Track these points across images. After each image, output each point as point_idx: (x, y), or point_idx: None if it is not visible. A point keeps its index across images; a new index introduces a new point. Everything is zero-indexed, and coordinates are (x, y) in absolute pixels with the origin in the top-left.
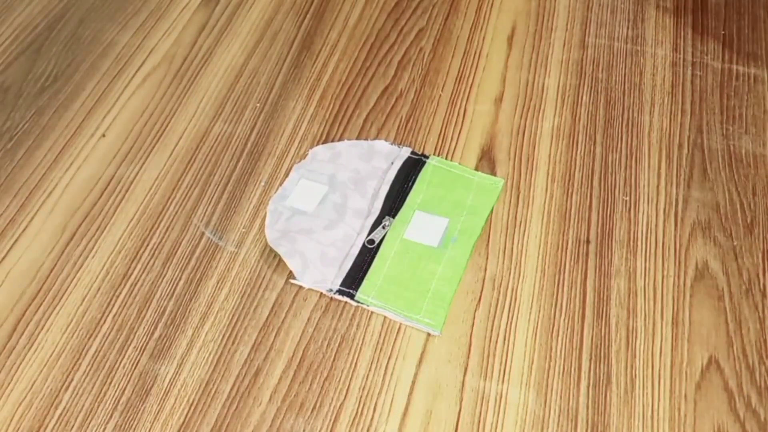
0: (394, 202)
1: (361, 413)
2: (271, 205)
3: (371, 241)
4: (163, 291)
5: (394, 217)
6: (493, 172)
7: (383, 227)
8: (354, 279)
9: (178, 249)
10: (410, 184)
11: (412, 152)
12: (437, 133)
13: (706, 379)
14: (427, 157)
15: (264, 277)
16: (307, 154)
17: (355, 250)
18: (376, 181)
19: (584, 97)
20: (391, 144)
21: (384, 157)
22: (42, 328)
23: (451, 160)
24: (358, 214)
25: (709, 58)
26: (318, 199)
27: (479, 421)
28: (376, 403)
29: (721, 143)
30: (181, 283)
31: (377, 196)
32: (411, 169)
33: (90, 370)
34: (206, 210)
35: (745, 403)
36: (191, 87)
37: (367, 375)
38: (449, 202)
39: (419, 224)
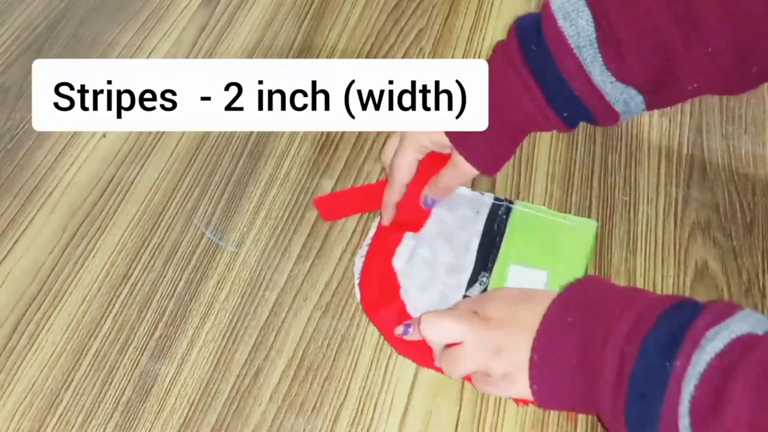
0: (487, 255)
1: (361, 413)
2: (357, 263)
3: None
4: (164, 291)
5: (489, 272)
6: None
7: (480, 284)
8: None
9: (178, 249)
10: (500, 233)
11: (496, 198)
12: None
13: None
14: (512, 203)
15: (264, 277)
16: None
17: None
18: (465, 232)
19: None
20: (472, 190)
21: (468, 205)
22: (42, 328)
23: None
24: (452, 270)
25: None
26: (406, 256)
27: (479, 421)
28: (376, 403)
29: (720, 143)
30: (182, 283)
31: (469, 249)
32: (498, 217)
33: (90, 370)
34: (207, 210)
35: None
36: None
37: (367, 375)
38: (544, 252)
39: (517, 279)
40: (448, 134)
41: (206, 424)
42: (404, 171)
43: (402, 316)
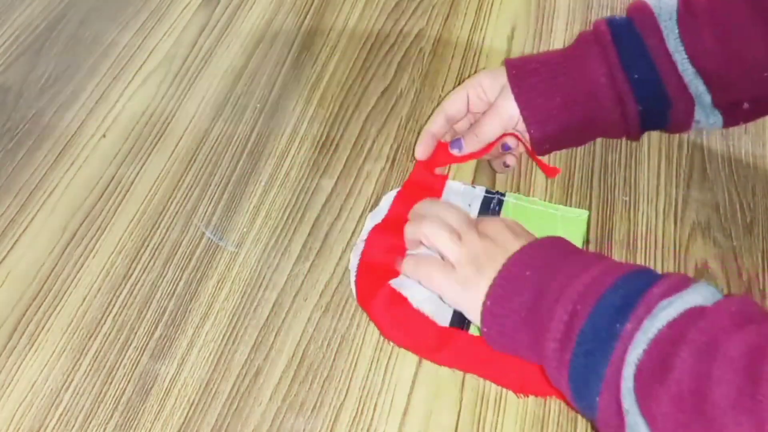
0: None
1: (361, 413)
2: (353, 259)
3: None
4: (164, 291)
5: None
6: (493, 173)
7: None
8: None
9: (178, 249)
10: None
11: (487, 191)
12: None
13: None
14: (504, 195)
15: (264, 277)
16: (380, 201)
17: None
18: None
19: None
20: (464, 184)
21: (460, 198)
22: (42, 329)
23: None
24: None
25: None
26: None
27: (479, 421)
28: (376, 403)
29: (720, 143)
30: (182, 283)
31: None
32: (490, 209)
33: (90, 370)
34: (206, 210)
35: None
36: (191, 87)
37: (367, 375)
38: None
39: None
40: (510, 72)
41: (206, 424)
42: (452, 100)
43: (394, 298)
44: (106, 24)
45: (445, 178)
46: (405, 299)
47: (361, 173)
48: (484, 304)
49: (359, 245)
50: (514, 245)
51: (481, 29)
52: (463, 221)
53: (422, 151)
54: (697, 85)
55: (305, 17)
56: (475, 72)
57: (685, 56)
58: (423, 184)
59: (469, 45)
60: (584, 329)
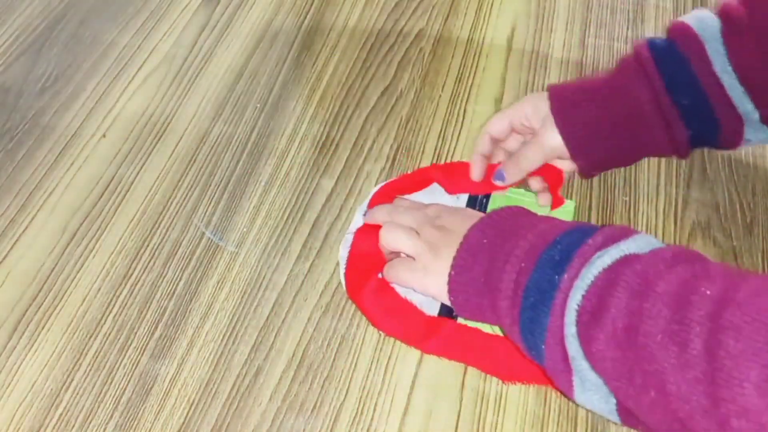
0: None
1: (361, 413)
2: (342, 251)
3: None
4: (164, 291)
5: None
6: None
7: None
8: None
9: (178, 249)
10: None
11: None
12: (437, 134)
13: None
14: None
15: (264, 277)
16: (369, 193)
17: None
18: None
19: None
20: None
21: (447, 194)
22: (42, 328)
23: (451, 161)
24: None
25: None
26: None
27: (479, 421)
28: (376, 403)
29: None
30: (182, 283)
31: None
32: (478, 201)
33: (90, 370)
34: (207, 210)
35: None
36: (191, 87)
37: (367, 375)
38: None
39: None
40: (553, 105)
41: (206, 424)
42: (494, 122)
43: (383, 287)
44: (106, 24)
45: (432, 177)
46: (393, 289)
47: (361, 173)
48: (450, 274)
49: (348, 238)
50: (469, 226)
51: (481, 29)
52: (418, 218)
53: (477, 173)
54: (745, 104)
55: (305, 17)
56: (475, 72)
57: (734, 76)
58: (413, 177)
59: (469, 45)
60: (528, 284)
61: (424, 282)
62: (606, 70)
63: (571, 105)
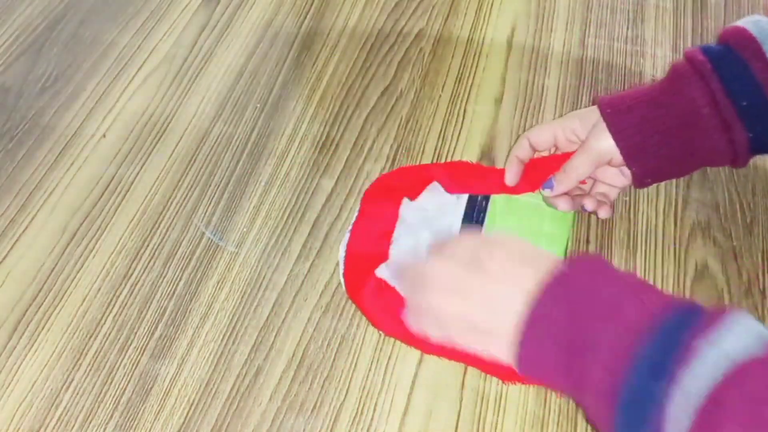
0: None
1: (361, 413)
2: (342, 252)
3: None
4: (164, 291)
5: None
6: None
7: None
8: None
9: (178, 249)
10: (482, 216)
11: None
12: (437, 134)
13: None
14: None
15: (264, 277)
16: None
17: None
18: (447, 217)
19: (584, 98)
20: None
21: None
22: (42, 328)
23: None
24: None
25: None
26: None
27: (479, 421)
28: (376, 403)
29: None
30: (182, 283)
31: (451, 233)
32: (478, 202)
33: (90, 370)
34: (207, 210)
35: None
36: (192, 87)
37: (367, 375)
38: (525, 233)
39: None
40: (604, 111)
41: (206, 424)
42: (538, 131)
43: (382, 287)
44: (106, 24)
45: (432, 175)
46: (393, 288)
47: (361, 173)
48: (518, 354)
49: (347, 236)
50: (525, 280)
51: (481, 29)
52: (455, 275)
53: (512, 177)
54: None
55: (305, 17)
56: (475, 72)
57: None
58: (408, 173)
59: (469, 45)
60: (623, 394)
61: (478, 340)
62: (655, 80)
63: (624, 110)
